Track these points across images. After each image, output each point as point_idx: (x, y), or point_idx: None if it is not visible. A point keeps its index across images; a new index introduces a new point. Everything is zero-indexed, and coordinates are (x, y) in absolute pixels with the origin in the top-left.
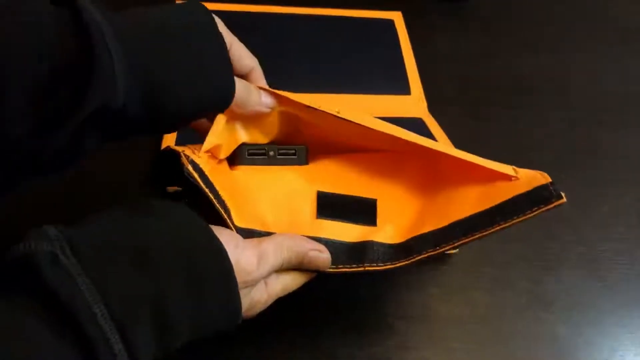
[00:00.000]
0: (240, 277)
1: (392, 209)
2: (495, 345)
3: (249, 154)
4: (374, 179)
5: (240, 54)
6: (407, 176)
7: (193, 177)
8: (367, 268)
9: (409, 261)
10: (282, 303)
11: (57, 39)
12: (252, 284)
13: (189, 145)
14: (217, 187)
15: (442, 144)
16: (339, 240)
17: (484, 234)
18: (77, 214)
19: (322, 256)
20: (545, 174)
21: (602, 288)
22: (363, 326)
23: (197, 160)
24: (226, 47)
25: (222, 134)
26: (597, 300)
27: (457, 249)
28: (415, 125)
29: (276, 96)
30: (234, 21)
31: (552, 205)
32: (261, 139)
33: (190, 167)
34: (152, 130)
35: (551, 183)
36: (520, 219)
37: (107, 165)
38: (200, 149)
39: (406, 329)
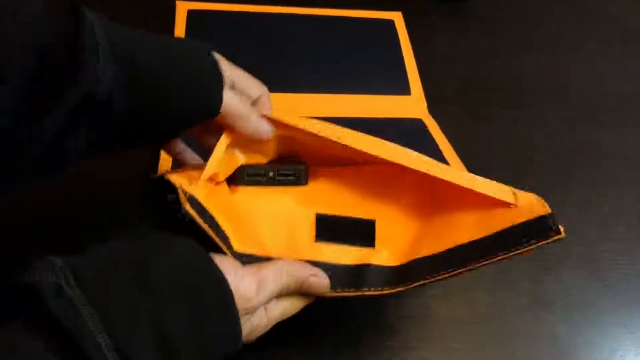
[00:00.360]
0: (240, 304)
1: (391, 229)
2: (496, 345)
3: (249, 175)
4: (373, 197)
5: (247, 84)
6: (405, 194)
7: (191, 216)
8: (365, 293)
9: (407, 287)
10: None
11: (47, 30)
12: (252, 310)
13: (187, 170)
14: (215, 213)
15: (442, 166)
16: (338, 264)
17: (481, 264)
18: (77, 214)
19: (321, 281)
20: (544, 203)
21: (602, 288)
22: (363, 326)
23: (195, 192)
24: (217, 62)
25: (223, 159)
26: (597, 300)
27: None
28: (415, 126)
29: (276, 124)
30: (234, 21)
31: (550, 241)
32: (260, 159)
33: (188, 206)
34: (140, 136)
35: (550, 214)
36: (518, 252)
37: (107, 165)
38: (198, 175)
39: (406, 329)
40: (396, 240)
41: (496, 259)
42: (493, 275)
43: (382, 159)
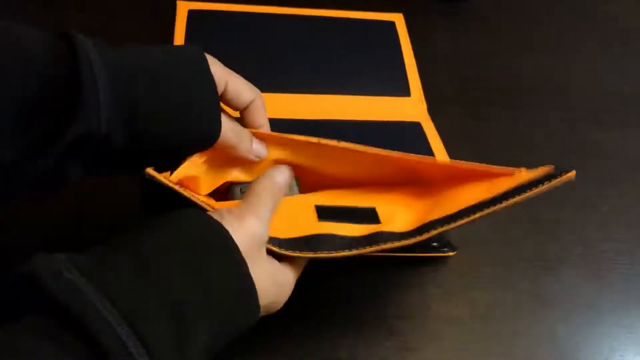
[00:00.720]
0: (254, 246)
1: (393, 212)
2: (496, 345)
3: (242, 192)
4: (370, 191)
5: (238, 90)
6: (403, 183)
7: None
8: (382, 247)
9: (424, 237)
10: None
11: (46, 65)
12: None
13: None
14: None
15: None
16: (349, 235)
17: (499, 207)
18: (77, 214)
19: (286, 174)
20: (551, 166)
21: (602, 288)
22: (363, 327)
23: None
24: (215, 87)
25: (201, 166)
26: (597, 300)
27: (456, 251)
28: (412, 130)
29: (270, 139)
30: (235, 21)
31: (564, 178)
32: (250, 179)
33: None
34: (138, 165)
35: (557, 168)
36: (534, 192)
37: None
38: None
39: (406, 329)
40: (403, 216)
41: (513, 201)
42: (493, 275)
43: (387, 175)
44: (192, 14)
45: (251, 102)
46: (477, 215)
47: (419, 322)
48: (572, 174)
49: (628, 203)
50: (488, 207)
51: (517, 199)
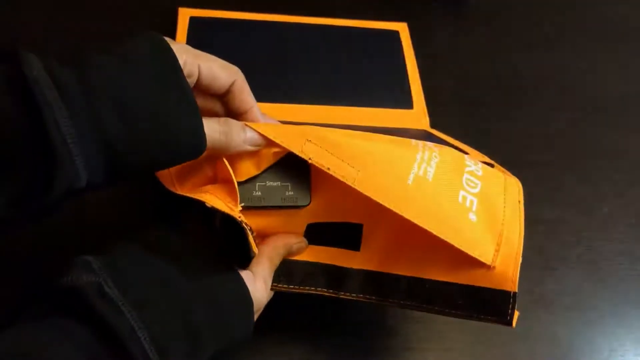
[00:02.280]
0: (256, 307)
1: (377, 234)
2: (496, 345)
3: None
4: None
5: (213, 74)
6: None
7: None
8: (341, 296)
9: (378, 302)
10: (281, 304)
11: (8, 116)
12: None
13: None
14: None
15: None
16: (317, 262)
17: (437, 312)
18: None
19: (302, 246)
20: (515, 281)
21: (602, 288)
22: (364, 327)
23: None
24: (192, 95)
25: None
26: (597, 300)
27: None
28: (422, 135)
29: (264, 129)
30: (237, 29)
31: (497, 322)
32: (258, 170)
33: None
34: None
35: (514, 295)
36: (462, 317)
37: None
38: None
39: (407, 330)
40: (379, 247)
41: (448, 314)
42: None
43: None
44: (193, 20)
45: (232, 85)
46: (424, 310)
47: (419, 323)
48: (511, 326)
49: (628, 203)
50: (437, 303)
51: (451, 315)
